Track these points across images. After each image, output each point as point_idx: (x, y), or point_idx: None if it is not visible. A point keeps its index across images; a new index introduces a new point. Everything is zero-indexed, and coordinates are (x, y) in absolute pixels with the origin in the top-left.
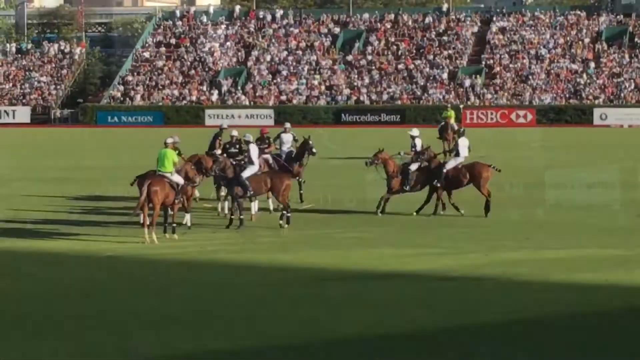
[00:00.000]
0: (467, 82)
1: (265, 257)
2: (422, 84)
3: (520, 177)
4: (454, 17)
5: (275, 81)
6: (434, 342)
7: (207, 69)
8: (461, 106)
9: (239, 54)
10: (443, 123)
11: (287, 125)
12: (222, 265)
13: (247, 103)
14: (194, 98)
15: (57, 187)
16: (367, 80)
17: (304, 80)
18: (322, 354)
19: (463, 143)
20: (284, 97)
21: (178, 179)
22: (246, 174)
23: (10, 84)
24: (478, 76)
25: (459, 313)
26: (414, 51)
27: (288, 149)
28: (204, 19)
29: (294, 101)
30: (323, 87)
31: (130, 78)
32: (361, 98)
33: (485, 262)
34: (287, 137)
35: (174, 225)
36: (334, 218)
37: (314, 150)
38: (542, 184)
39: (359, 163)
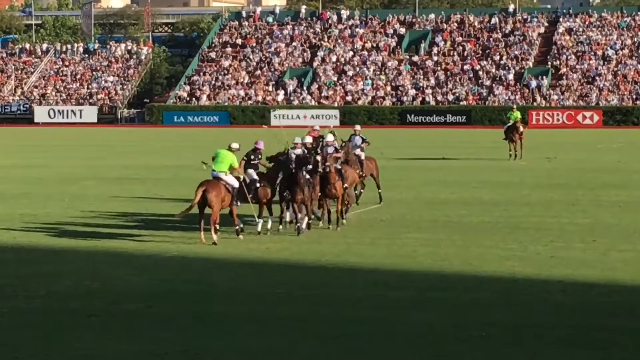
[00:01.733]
0: (534, 83)
1: (332, 258)
2: (487, 84)
3: (587, 179)
4: (520, 17)
5: (340, 81)
6: (502, 344)
7: (272, 69)
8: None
9: (305, 54)
10: (510, 124)
11: (357, 127)
12: (288, 265)
13: (313, 103)
14: (259, 98)
15: (124, 186)
16: (432, 81)
17: (369, 81)
18: (391, 354)
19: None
20: (349, 98)
21: (233, 181)
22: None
23: (78, 84)
24: (544, 77)
25: (522, 314)
26: (480, 52)
27: (358, 153)
28: (270, 19)
29: (360, 102)
30: (388, 88)
31: (196, 78)
32: (426, 99)
33: (551, 263)
34: (357, 140)
35: (217, 226)
36: (399, 219)
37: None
38: (609, 186)
39: (423, 164)
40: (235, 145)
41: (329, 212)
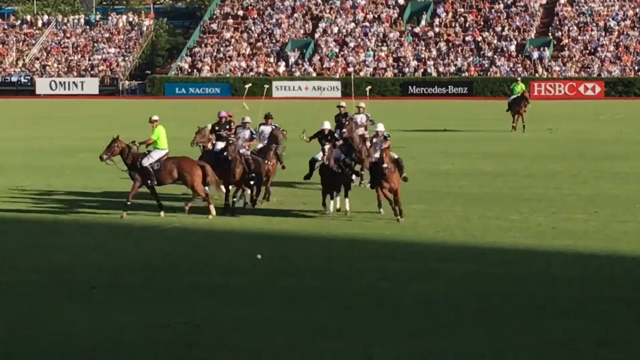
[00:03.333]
0: (535, 55)
1: (333, 230)
2: (489, 56)
3: (588, 150)
4: None
5: (342, 53)
6: (503, 315)
7: (274, 41)
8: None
9: (306, 25)
10: (516, 95)
11: (362, 104)
12: (289, 237)
13: (314, 75)
14: (261, 70)
15: None
16: (434, 53)
17: (371, 52)
18: (390, 326)
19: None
20: (350, 69)
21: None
22: (146, 162)
23: (79, 56)
24: (546, 48)
25: (523, 285)
26: (482, 23)
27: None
28: None
29: (361, 73)
30: (390, 59)
31: (197, 50)
32: (428, 70)
33: (552, 234)
34: (361, 118)
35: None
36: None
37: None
38: (611, 157)
39: (425, 135)
40: (154, 117)
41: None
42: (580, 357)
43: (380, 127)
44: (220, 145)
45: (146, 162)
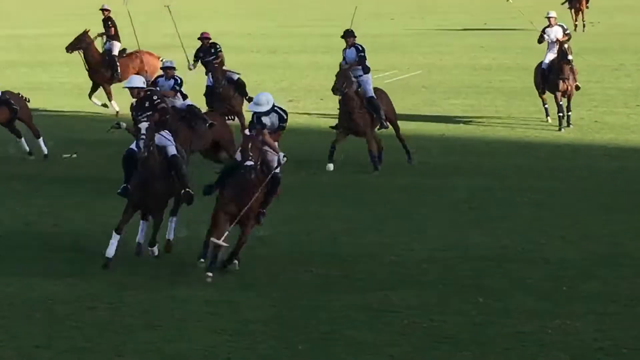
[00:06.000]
0: None
1: None
2: None
3: (630, 43)
4: None
5: None
6: (543, 209)
7: None
8: None
9: None
10: None
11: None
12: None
13: None
14: None
15: (164, 54)
16: None
17: None
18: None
19: None
20: None
21: None
22: None
23: None
24: None
25: (565, 179)
26: None
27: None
28: None
29: None
30: None
31: None
32: None
33: (594, 128)
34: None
35: None
36: (439, 85)
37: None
38: None
39: (464, 29)
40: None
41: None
42: (622, 250)
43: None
44: None
45: None
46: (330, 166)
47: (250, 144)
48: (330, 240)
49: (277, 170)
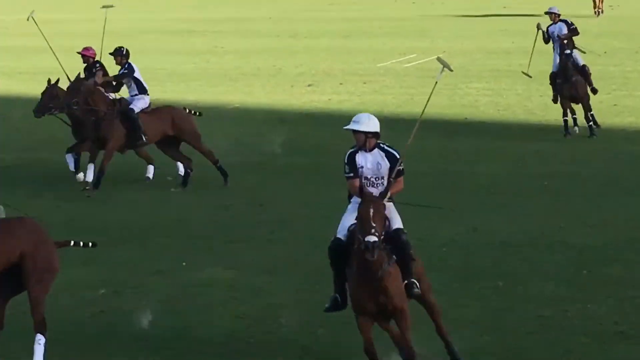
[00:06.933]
0: None
1: (393, 109)
2: None
3: None
4: None
5: None
6: (563, 193)
7: None
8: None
9: None
10: None
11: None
12: (350, 117)
13: None
14: None
15: (184, 40)
16: None
17: None
18: None
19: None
20: None
21: None
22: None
23: None
24: None
25: (585, 163)
26: None
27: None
28: None
29: None
30: None
31: None
32: None
33: (614, 112)
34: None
35: None
36: (460, 69)
37: None
38: None
39: (485, 13)
40: None
41: None
42: None
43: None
44: None
45: None
46: None
47: (372, 209)
48: None
49: (398, 226)
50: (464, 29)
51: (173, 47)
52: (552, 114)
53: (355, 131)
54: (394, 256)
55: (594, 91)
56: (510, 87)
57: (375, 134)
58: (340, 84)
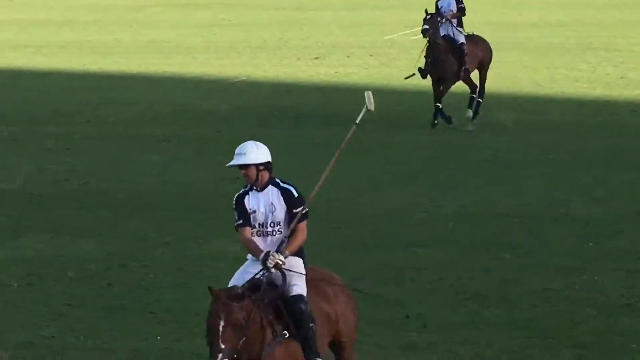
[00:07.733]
0: None
1: (400, 81)
2: None
3: None
4: None
5: None
6: (568, 167)
7: None
8: None
9: None
10: None
11: None
12: (356, 89)
13: None
14: None
15: (190, 12)
16: None
17: None
18: None
19: None
20: None
21: None
22: None
23: None
24: None
25: (591, 136)
26: None
27: None
28: None
29: None
30: None
31: None
32: None
33: (621, 84)
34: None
35: None
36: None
37: None
38: None
39: None
40: None
41: None
42: None
43: None
44: None
45: None
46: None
47: (222, 320)
48: (356, 198)
49: (297, 292)
50: (466, 2)
51: (179, 20)
52: (559, 85)
53: (242, 166)
54: (285, 332)
55: (466, 72)
56: (517, 59)
57: (266, 165)
58: (347, 56)
